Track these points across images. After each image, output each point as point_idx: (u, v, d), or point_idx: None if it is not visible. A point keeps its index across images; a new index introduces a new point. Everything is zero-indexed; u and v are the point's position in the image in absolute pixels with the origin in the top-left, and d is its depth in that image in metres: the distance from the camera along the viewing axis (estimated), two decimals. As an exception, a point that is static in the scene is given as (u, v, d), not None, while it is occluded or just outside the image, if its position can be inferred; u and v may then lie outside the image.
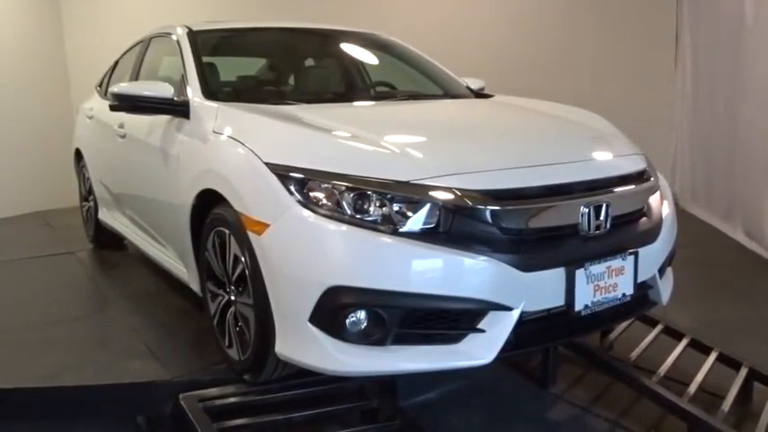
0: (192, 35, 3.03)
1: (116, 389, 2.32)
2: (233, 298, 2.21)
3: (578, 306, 1.91)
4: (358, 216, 1.80)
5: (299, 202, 1.85)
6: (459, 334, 1.83)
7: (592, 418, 2.54)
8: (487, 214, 1.81)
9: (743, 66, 4.71)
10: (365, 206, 1.81)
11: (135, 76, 3.53)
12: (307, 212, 1.82)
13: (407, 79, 3.45)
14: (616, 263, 1.99)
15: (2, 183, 5.97)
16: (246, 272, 2.04)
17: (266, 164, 1.95)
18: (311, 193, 1.85)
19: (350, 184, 1.83)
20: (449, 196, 1.81)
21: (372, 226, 1.79)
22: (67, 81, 6.61)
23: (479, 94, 3.26)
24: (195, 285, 2.60)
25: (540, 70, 6.49)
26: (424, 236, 1.79)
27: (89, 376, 2.43)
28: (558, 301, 1.90)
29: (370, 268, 1.77)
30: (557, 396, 2.71)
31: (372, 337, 1.81)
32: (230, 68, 3.27)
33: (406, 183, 1.83)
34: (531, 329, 1.89)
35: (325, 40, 3.49)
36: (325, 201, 1.84)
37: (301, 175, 1.88)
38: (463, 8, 6.80)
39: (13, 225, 5.68)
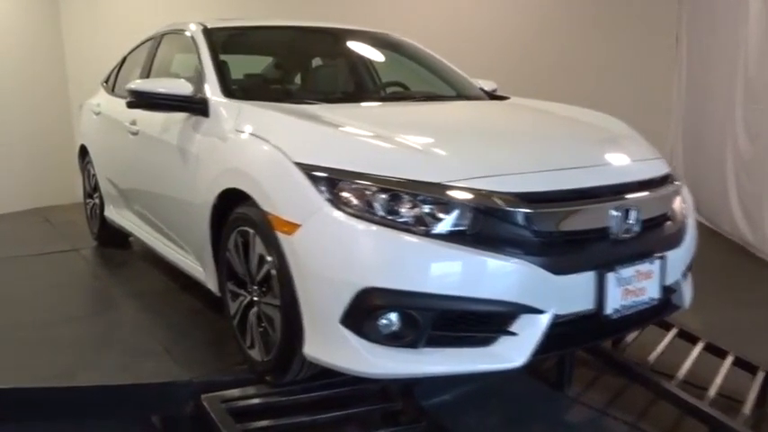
0: (208, 32, 3.00)
1: (134, 389, 2.29)
2: (256, 298, 2.19)
3: (608, 310, 1.91)
4: (390, 217, 1.79)
5: (330, 202, 1.84)
6: (491, 337, 1.83)
7: (609, 421, 2.54)
8: (520, 217, 1.81)
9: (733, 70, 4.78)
10: (397, 207, 1.80)
11: (146, 73, 3.49)
12: (339, 213, 1.81)
13: (419, 80, 3.44)
14: (644, 267, 1.99)
15: (0, 179, 5.91)
16: (273, 272, 2.03)
17: (296, 163, 1.94)
18: (342, 194, 1.84)
19: (382, 185, 1.82)
20: (481, 198, 1.80)
21: (404, 227, 1.78)
22: (66, 77, 6.55)
23: (494, 96, 3.26)
24: (212, 285, 2.58)
25: (543, 71, 6.52)
26: (457, 238, 1.78)
27: (104, 376, 2.40)
28: (587, 304, 1.90)
29: (403, 270, 1.76)
30: (572, 399, 2.72)
31: (404, 339, 1.80)
32: (237, 67, 3.25)
33: (439, 184, 1.82)
34: (561, 333, 1.89)
35: (339, 40, 3.48)
36: (356, 201, 1.82)
37: (332, 176, 1.87)
38: (466, 10, 6.81)
39: (12, 221, 5.61)
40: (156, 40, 3.59)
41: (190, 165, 2.59)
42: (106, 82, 4.41)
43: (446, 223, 1.79)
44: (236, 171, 2.21)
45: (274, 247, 1.99)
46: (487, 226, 1.80)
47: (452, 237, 1.78)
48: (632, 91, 6.43)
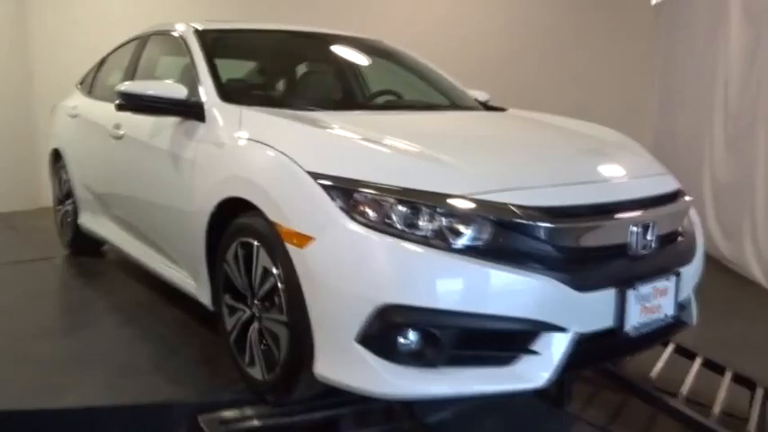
0: (200, 34, 2.89)
1: (125, 410, 2.16)
2: (258, 313, 2.09)
3: (627, 327, 1.87)
4: (408, 230, 1.72)
5: (346, 213, 1.75)
6: (513, 356, 1.76)
7: (611, 438, 2.51)
8: (543, 232, 1.76)
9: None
10: (416, 220, 1.73)
11: (131, 76, 3.35)
12: (355, 225, 1.73)
13: (411, 88, 3.39)
14: (661, 283, 1.96)
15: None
16: (280, 286, 1.93)
17: (309, 173, 1.84)
18: (358, 205, 1.76)
19: (400, 197, 1.75)
20: (503, 212, 1.74)
21: (424, 241, 1.71)
22: (30, 77, 6.27)
23: (488, 107, 3.23)
24: (205, 298, 2.46)
25: (521, 79, 6.58)
26: (478, 252, 1.71)
27: (91, 396, 2.25)
28: (608, 322, 1.85)
29: (423, 286, 1.68)
30: (573, 415, 2.67)
31: (424, 358, 1.72)
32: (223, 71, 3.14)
33: (459, 197, 1.76)
34: (581, 351, 1.84)
35: (332, 46, 3.39)
36: (373, 213, 1.74)
37: (348, 186, 1.78)
38: (447, 18, 6.83)
39: (-27, 228, 5.34)
40: (142, 41, 3.45)
41: (184, 171, 2.47)
42: (81, 84, 4.23)
43: (467, 237, 1.73)
44: (238, 179, 2.11)
45: (282, 259, 1.89)
46: (509, 240, 1.74)
47: (474, 251, 1.72)
48: (610, 104, 6.54)
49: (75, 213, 3.93)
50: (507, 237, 1.74)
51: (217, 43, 2.89)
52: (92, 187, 3.61)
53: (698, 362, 2.75)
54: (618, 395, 2.70)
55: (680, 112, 5.64)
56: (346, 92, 3.40)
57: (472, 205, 1.75)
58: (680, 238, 2.17)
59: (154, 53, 3.37)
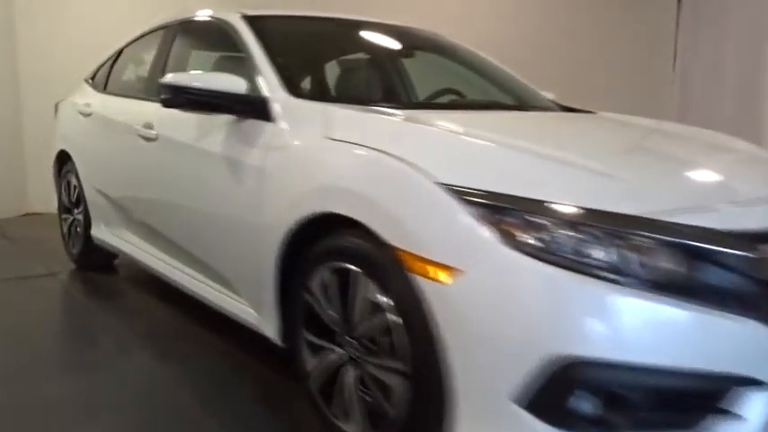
0: (252, 21, 2.50)
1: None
2: (357, 356, 1.70)
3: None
4: (584, 261, 1.35)
5: (504, 240, 1.37)
6: (701, 418, 1.40)
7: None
8: (743, 262, 1.40)
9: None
10: (592, 248, 1.36)
11: (160, 69, 2.93)
12: (520, 256, 1.35)
13: (471, 86, 3.02)
14: None
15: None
16: (395, 325, 1.54)
17: (447, 186, 1.46)
18: (520, 229, 1.38)
19: (576, 219, 1.37)
20: (700, 238, 1.38)
21: (605, 275, 1.34)
22: (17, 72, 5.78)
23: (567, 108, 2.87)
24: (272, 331, 2.05)
25: (543, 70, 6.29)
26: (671, 289, 1.35)
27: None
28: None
29: (612, 333, 1.31)
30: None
31: (606, 424, 1.34)
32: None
33: (646, 219, 1.39)
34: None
35: (390, 37, 3.00)
36: (538, 240, 1.37)
37: (504, 204, 1.40)
38: (463, 15, 6.50)
39: (-41, 237, 4.84)
40: (170, 31, 3.04)
41: (246, 180, 2.07)
42: (93, 78, 3.80)
43: (657, 270, 1.36)
44: (334, 191, 1.71)
45: (402, 293, 1.51)
46: (704, 274, 1.38)
47: (664, 288, 1.35)
48: (627, 96, 6.24)
49: (87, 223, 3.49)
50: (702, 269, 1.38)
51: (271, 31, 2.48)
52: (110, 194, 3.18)
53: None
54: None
55: (701, 106, 5.42)
56: (407, 88, 3.02)
57: (660, 229, 1.38)
58: None
59: (187, 44, 2.97)
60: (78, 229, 3.63)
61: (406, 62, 3.08)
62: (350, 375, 1.72)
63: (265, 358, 2.39)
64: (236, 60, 2.44)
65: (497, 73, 3.04)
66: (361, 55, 2.94)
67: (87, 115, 3.44)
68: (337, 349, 1.77)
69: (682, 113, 5.81)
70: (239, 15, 2.56)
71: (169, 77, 2.18)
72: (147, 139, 2.71)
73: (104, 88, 3.55)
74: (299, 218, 1.82)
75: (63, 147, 3.72)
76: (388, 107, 2.09)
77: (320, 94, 2.19)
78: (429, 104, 2.55)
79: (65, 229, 3.84)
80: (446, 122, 1.85)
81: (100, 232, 3.37)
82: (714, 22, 5.25)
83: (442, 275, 1.41)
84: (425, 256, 1.45)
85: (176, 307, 3.00)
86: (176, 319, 2.91)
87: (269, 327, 2.06)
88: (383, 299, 1.58)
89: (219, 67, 2.75)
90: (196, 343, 2.64)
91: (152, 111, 2.78)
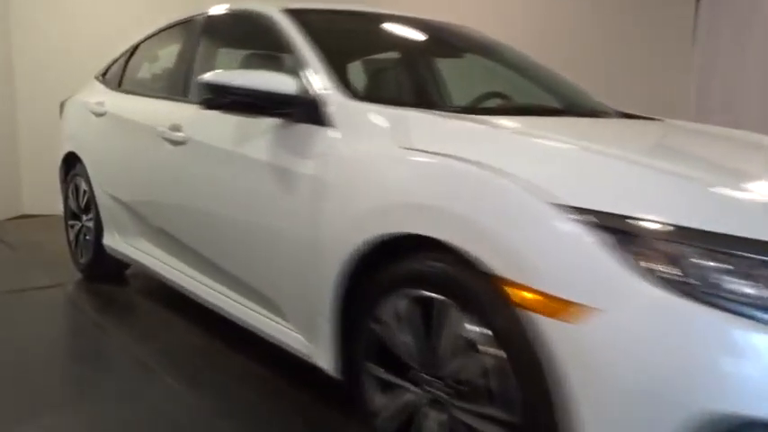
0: (296, 15, 2.27)
1: None
2: (444, 399, 1.47)
3: None
4: (746, 300, 1.13)
5: (649, 275, 1.15)
6: None
7: None
8: None
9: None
10: (752, 286, 1.15)
11: (186, 67, 2.69)
12: (670, 296, 1.13)
13: (515, 89, 2.81)
14: None
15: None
16: (496, 367, 1.33)
17: (568, 208, 1.24)
18: (664, 263, 1.16)
19: (731, 250, 1.16)
20: None
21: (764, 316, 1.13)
22: (12, 70, 5.51)
23: (629, 114, 2.66)
24: (327, 362, 1.82)
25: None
26: None
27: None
28: None
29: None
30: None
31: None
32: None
33: None
34: None
35: (444, 37, 2.76)
36: (690, 276, 1.15)
37: (644, 231, 1.19)
38: (473, 15, 6.31)
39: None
40: (197, 26, 2.80)
41: (300, 191, 1.84)
42: (104, 75, 3.55)
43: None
44: (418, 209, 1.49)
45: (514, 332, 1.29)
46: None
47: None
48: (643, 102, 6.08)
49: (98, 231, 3.24)
50: None
51: (317, 26, 2.26)
52: (127, 201, 2.93)
53: None
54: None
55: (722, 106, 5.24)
56: (441, 90, 2.80)
57: None
58: None
59: (216, 40, 2.74)
60: (88, 237, 3.38)
61: (449, 62, 2.86)
62: (432, 420, 1.50)
63: (308, 382, 2.16)
64: (271, 58, 2.22)
65: (544, 75, 2.83)
66: (405, 54, 2.71)
67: (100, 115, 3.19)
68: (413, 388, 1.55)
69: (702, 114, 5.65)
70: (280, 9, 2.33)
71: (210, 76, 1.95)
72: (174, 142, 2.47)
73: (119, 86, 3.31)
74: (368, 238, 1.59)
75: (71, 148, 3.47)
76: (450, 111, 1.88)
77: (378, 95, 1.96)
78: (491, 110, 2.32)
79: (71, 237, 3.58)
80: (536, 130, 1.63)
81: (113, 241, 3.12)
82: (735, 21, 5.10)
83: (568, 314, 1.19)
84: (544, 291, 1.23)
85: (198, 324, 2.76)
86: (200, 337, 2.67)
87: (323, 357, 1.84)
88: (481, 335, 1.36)
89: (250, 64, 2.52)
90: (227, 366, 2.40)
91: (179, 111, 2.56)
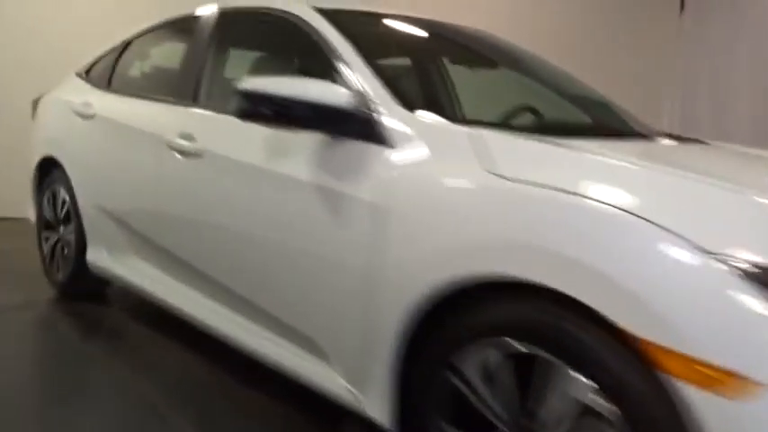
0: (331, 16, 2.04)
1: None
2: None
3: None
4: None
5: None
6: None
7: None
8: None
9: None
10: None
11: (198, 68, 2.41)
12: None
13: (545, 103, 2.64)
14: None
15: None
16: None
17: (722, 258, 1.06)
18: None
19: None
20: None
21: None
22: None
23: (671, 136, 2.51)
24: (378, 412, 1.60)
25: None
26: None
27: None
28: None
29: None
30: None
31: None
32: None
33: None
34: None
35: (485, 46, 2.56)
36: None
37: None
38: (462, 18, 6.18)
39: None
40: (205, 24, 2.52)
41: (354, 219, 1.61)
42: (88, 73, 3.22)
43: None
44: (520, 249, 1.27)
45: (649, 402, 1.10)
46: None
47: None
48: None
49: (81, 246, 2.91)
50: None
51: (356, 30, 2.03)
52: (122, 216, 2.62)
53: None
54: None
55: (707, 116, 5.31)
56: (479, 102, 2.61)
57: None
58: None
59: (230, 40, 2.48)
60: (66, 251, 3.05)
61: (481, 73, 2.68)
62: (525, 492, 1.30)
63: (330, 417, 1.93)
64: (296, 63, 1.99)
65: (569, 85, 2.66)
66: (443, 63, 2.51)
67: (88, 117, 2.87)
68: (501, 453, 1.35)
69: (686, 125, 5.68)
70: (312, 8, 2.10)
71: (249, 83, 1.70)
72: (185, 153, 2.20)
73: (108, 86, 2.99)
74: (447, 278, 1.38)
75: (49, 153, 3.12)
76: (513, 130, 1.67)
77: (436, 111, 1.75)
78: (549, 129, 2.13)
79: (46, 250, 3.23)
80: (627, 157, 1.45)
81: (100, 259, 2.80)
82: (719, 29, 5.16)
83: (727, 387, 1.01)
84: (696, 357, 1.05)
85: (196, 350, 2.48)
86: (201, 367, 2.39)
87: (375, 407, 1.61)
88: (597, 399, 1.17)
89: (268, 69, 2.29)
90: (239, 402, 2.14)
91: (189, 118, 2.29)
